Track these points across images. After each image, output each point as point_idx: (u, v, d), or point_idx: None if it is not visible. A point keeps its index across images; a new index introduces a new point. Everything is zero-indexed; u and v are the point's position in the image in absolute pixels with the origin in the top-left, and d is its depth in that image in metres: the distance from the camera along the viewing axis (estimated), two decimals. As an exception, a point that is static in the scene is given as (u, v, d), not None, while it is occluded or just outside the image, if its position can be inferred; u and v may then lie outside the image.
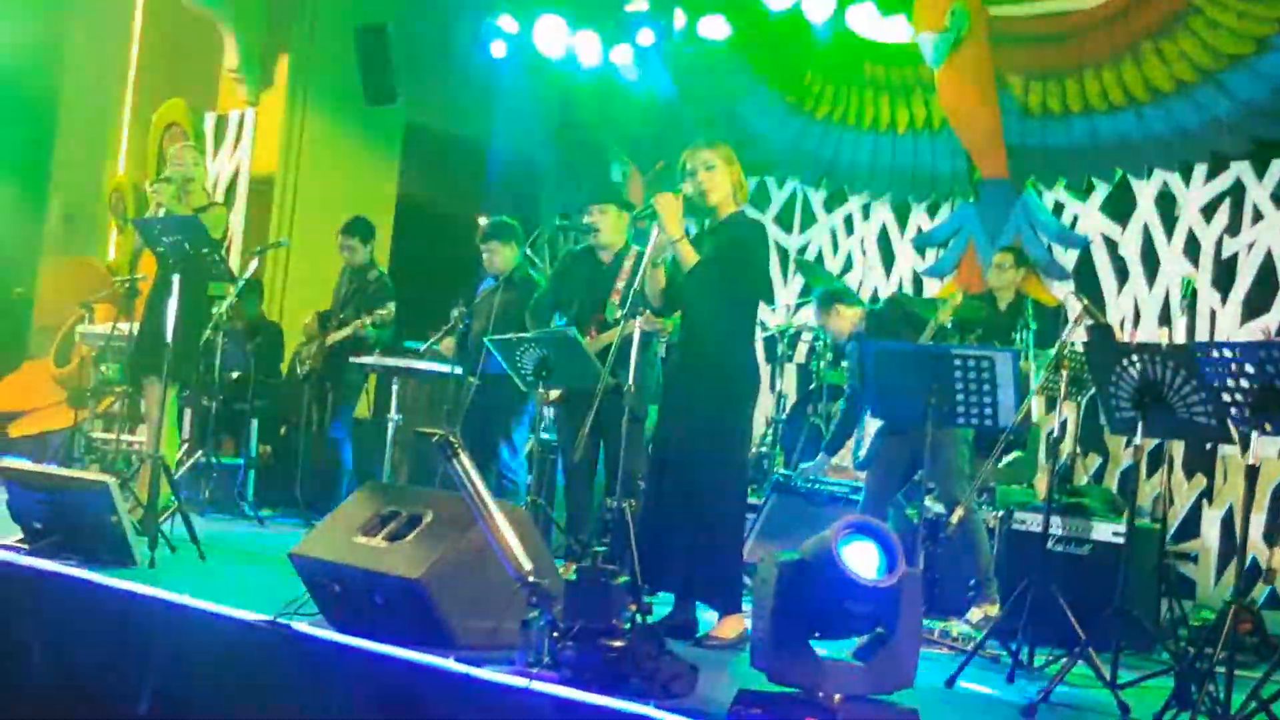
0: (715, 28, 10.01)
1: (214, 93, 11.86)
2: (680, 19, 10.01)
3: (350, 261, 9.41)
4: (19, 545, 6.00)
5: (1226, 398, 4.90)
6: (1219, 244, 8.96)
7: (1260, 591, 7.86)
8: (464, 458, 4.53)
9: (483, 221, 8.49)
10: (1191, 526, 8.65)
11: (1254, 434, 5.03)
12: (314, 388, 9.41)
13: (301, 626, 4.76)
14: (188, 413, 8.96)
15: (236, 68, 11.43)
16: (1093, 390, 7.87)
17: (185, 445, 8.64)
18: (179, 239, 6.72)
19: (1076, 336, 6.40)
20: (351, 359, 9.11)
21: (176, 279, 6.64)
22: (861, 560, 3.94)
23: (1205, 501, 8.66)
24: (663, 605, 5.72)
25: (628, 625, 4.39)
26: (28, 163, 12.23)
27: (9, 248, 12.14)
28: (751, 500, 7.58)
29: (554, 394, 7.08)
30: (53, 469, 7.53)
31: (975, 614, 6.74)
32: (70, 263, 12.31)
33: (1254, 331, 8.53)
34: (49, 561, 5.75)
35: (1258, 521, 8.02)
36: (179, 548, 6.51)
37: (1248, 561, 8.08)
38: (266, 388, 9.67)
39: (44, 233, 12.71)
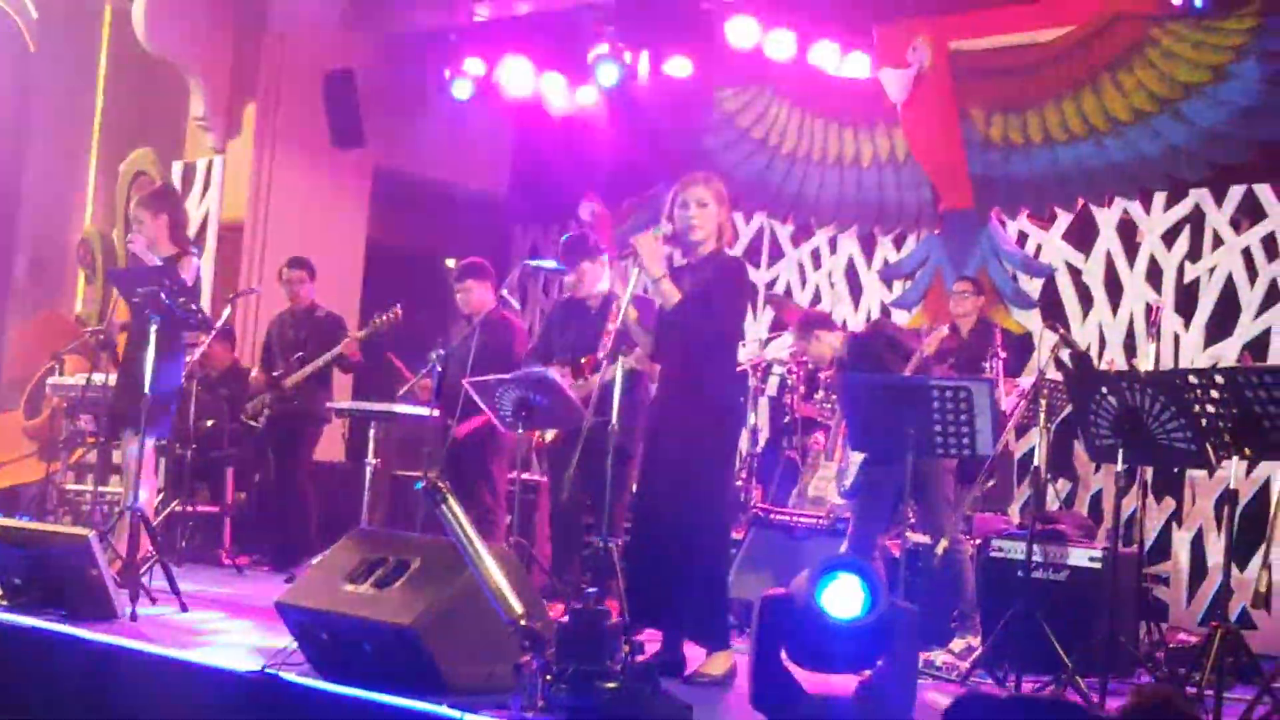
0: (680, 67, 10.03)
1: (181, 141, 11.79)
2: (646, 59, 10.02)
3: (295, 298, 9.34)
4: (-1, 602, 5.92)
5: (1206, 424, 4.93)
6: (1180, 270, 9.05)
7: (1233, 611, 7.88)
8: (452, 502, 4.48)
9: (451, 263, 8.46)
10: (1162, 548, 8.69)
11: (1234, 459, 5.07)
12: (274, 434, 9.34)
13: (291, 676, 4.70)
14: (162, 462, 8.86)
15: (202, 116, 11.37)
16: (1062, 416, 7.93)
17: (161, 495, 8.54)
18: (154, 289, 6.65)
19: (1051, 365, 6.42)
20: (330, 404, 9.08)
21: (154, 329, 6.57)
22: (843, 598, 3.90)
23: (1175, 524, 8.71)
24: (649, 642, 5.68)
25: (621, 665, 4.35)
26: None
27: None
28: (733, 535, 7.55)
29: (550, 434, 7.05)
30: (31, 523, 7.42)
31: (958, 644, 6.72)
32: (38, 315, 12.19)
33: (1219, 356, 8.59)
34: (30, 617, 5.66)
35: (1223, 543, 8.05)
36: (159, 599, 6.42)
37: (1219, 582, 8.13)
38: (240, 435, 9.58)
39: (11, 284, 12.58)
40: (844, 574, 3.95)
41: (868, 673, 4.04)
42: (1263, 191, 8.75)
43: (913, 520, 6.86)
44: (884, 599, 3.90)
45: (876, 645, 3.95)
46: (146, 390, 6.55)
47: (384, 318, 8.76)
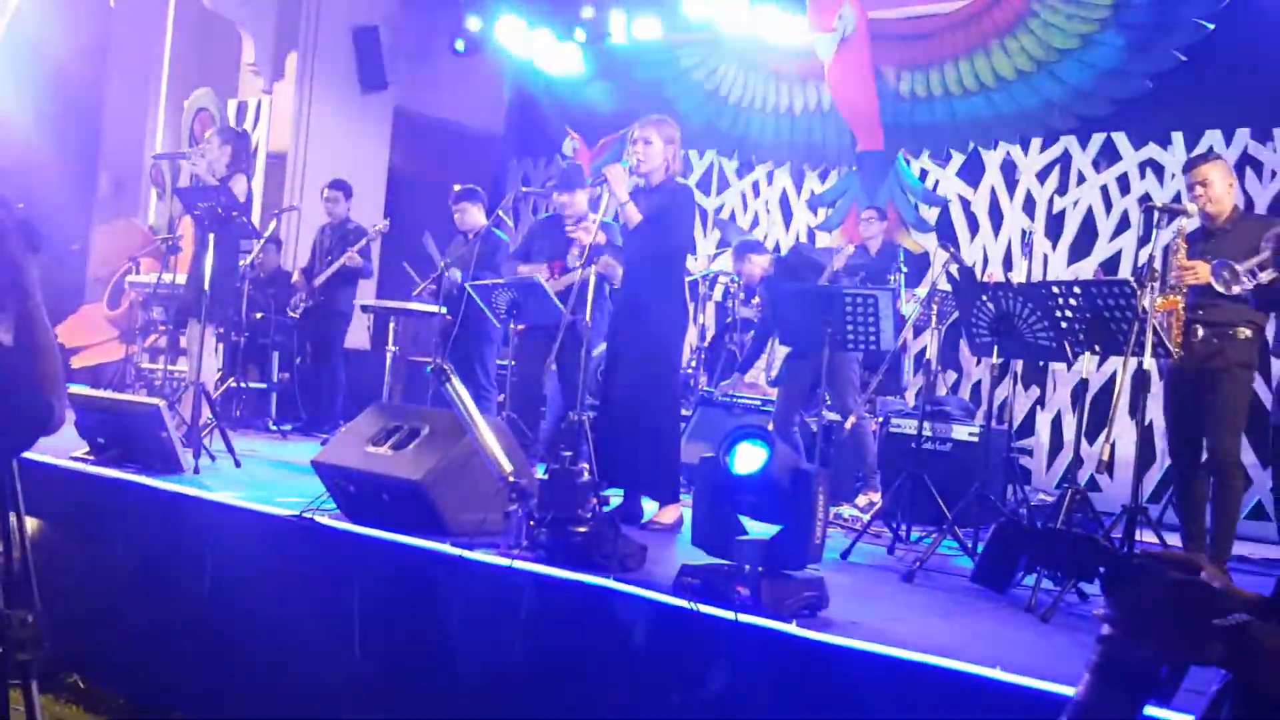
0: (648, 28, 9.88)
1: (235, 83, 11.59)
2: (620, 21, 9.87)
3: (332, 214, 9.27)
4: (86, 457, 5.89)
5: (1065, 325, 4.95)
6: (1050, 202, 9.05)
7: (1084, 478, 7.98)
8: (455, 381, 4.48)
9: (456, 188, 8.40)
10: (1027, 427, 8.78)
11: (1085, 354, 5.09)
12: (308, 325, 9.30)
13: (323, 520, 4.72)
14: (221, 346, 8.81)
15: (253, 62, 11.17)
16: (953, 319, 7.95)
17: (220, 373, 8.51)
18: (211, 205, 6.57)
19: (943, 278, 6.42)
20: (360, 303, 9.04)
21: (211, 238, 6.50)
22: (750, 458, 3.86)
23: (1039, 407, 8.78)
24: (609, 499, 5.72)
25: (590, 515, 4.37)
26: (81, 142, 11.90)
27: (67, 212, 11.83)
28: (683, 412, 7.57)
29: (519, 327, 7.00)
30: (111, 393, 7.38)
31: (862, 500, 6.80)
32: (118, 224, 12.02)
33: (1079, 273, 8.61)
34: (112, 469, 5.66)
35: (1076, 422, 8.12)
36: (218, 458, 6.42)
37: (1071, 454, 8.22)
38: (284, 325, 9.54)
39: (95, 199, 12.41)
40: (749, 439, 3.90)
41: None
42: (1119, 139, 8.73)
43: (828, 402, 6.91)
44: (781, 460, 3.83)
45: (781, 499, 3.89)
46: (206, 287, 6.51)
47: (373, 230, 8.81)
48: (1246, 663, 1.52)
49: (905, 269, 8.28)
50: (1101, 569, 1.56)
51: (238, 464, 6.36)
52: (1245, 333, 5.23)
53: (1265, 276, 4.87)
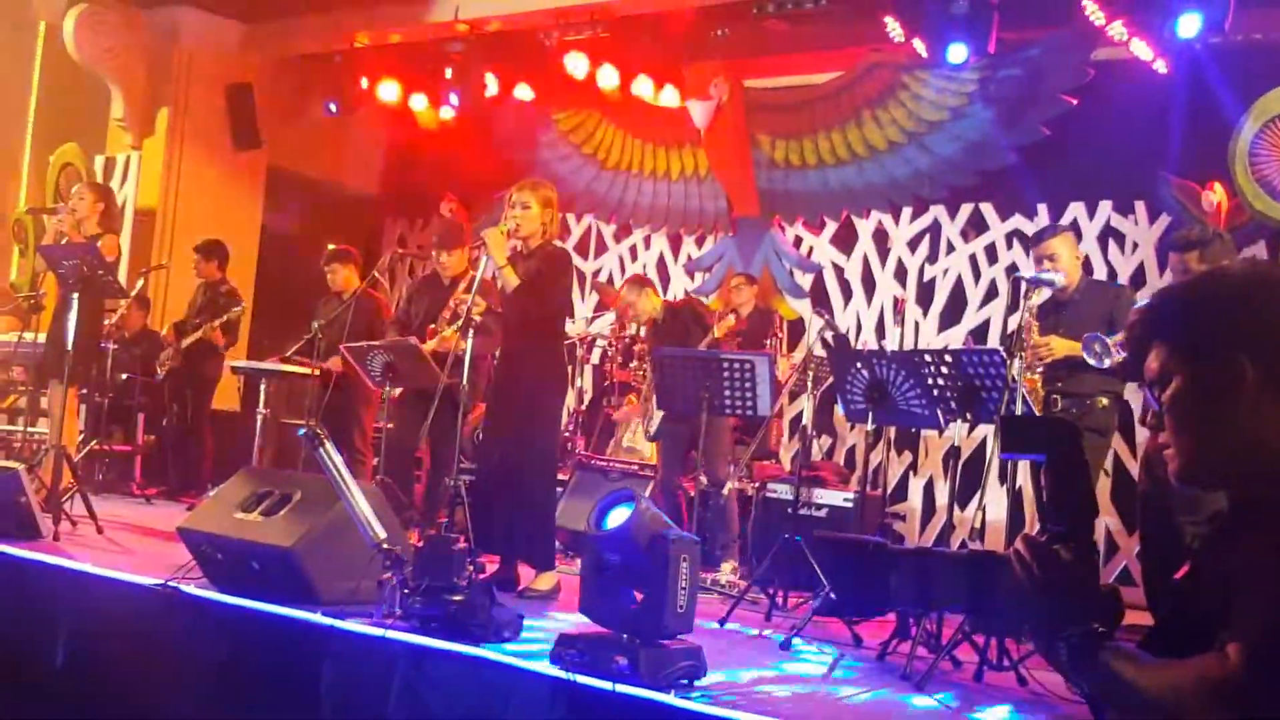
0: (524, 91, 9.95)
1: (103, 138, 11.32)
2: (495, 83, 9.92)
3: (199, 275, 9.10)
4: (-64, 524, 5.64)
5: (937, 393, 5.08)
6: (921, 270, 9.28)
7: (955, 541, 8.15)
8: (329, 445, 4.41)
9: (330, 248, 8.31)
10: (901, 492, 8.94)
11: (957, 421, 5.23)
12: (174, 386, 9.08)
13: (189, 589, 4.58)
14: (83, 408, 8.53)
15: (122, 117, 10.93)
16: (827, 384, 8.10)
17: (82, 436, 8.23)
18: (77, 263, 6.41)
19: (818, 344, 6.55)
20: (230, 364, 8.85)
21: (76, 297, 6.33)
22: (618, 518, 3.87)
23: (912, 473, 8.95)
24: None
25: (466, 582, 4.33)
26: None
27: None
28: (560, 476, 7.54)
29: (396, 391, 6.93)
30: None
31: (726, 567, 6.83)
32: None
33: (949, 340, 8.84)
34: (-37, 538, 5.43)
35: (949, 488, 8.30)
36: (79, 524, 6.19)
37: (944, 519, 8.40)
38: (149, 387, 9.28)
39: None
40: (620, 504, 3.91)
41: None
42: (986, 209, 9.02)
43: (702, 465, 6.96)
44: (642, 524, 3.82)
45: (641, 563, 3.86)
46: (69, 347, 6.32)
47: (233, 312, 8.68)
48: (1087, 677, 1.58)
49: (781, 334, 8.41)
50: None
51: (100, 530, 6.16)
52: (1103, 401, 5.51)
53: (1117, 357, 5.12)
